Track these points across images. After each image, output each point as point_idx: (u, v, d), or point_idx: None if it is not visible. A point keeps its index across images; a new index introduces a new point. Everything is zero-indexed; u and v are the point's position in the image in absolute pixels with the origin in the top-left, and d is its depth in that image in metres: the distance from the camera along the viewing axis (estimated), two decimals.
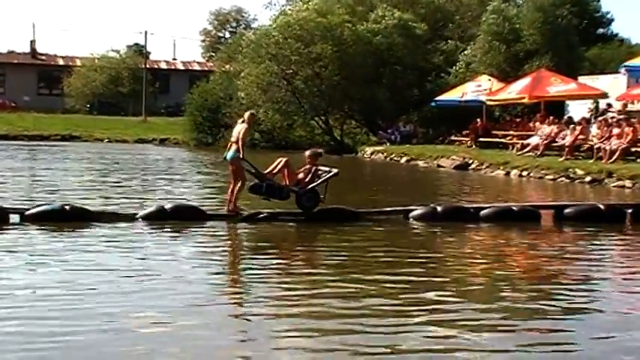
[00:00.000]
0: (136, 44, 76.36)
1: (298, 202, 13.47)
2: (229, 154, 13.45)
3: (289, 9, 42.66)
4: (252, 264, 10.00)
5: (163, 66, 74.13)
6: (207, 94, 45.22)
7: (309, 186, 13.50)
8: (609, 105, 28.96)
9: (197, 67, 72.12)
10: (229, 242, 12.10)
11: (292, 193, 13.47)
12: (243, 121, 13.62)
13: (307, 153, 14.34)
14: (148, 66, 67.60)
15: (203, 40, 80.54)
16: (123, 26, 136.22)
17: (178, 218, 12.81)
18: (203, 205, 14.19)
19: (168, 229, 12.25)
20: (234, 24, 77.92)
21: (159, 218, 12.77)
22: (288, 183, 13.52)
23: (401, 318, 7.25)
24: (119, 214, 13.16)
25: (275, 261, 10.26)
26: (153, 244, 11.16)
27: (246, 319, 7.23)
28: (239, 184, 13.31)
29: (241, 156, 13.23)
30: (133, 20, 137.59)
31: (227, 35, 76.01)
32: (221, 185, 21.32)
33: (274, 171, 13.60)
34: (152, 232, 12.05)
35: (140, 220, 12.76)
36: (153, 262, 9.67)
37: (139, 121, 57.55)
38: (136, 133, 50.03)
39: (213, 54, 67.36)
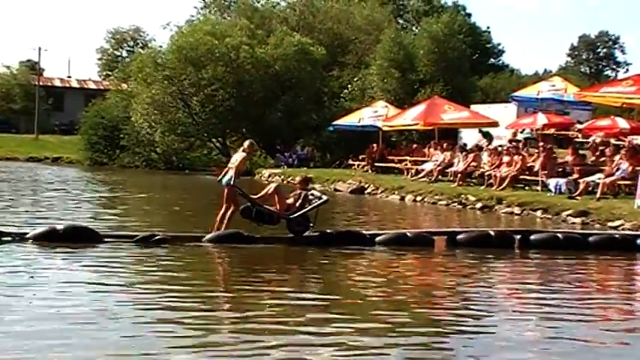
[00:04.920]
0: (29, 60, 74.62)
1: (289, 227, 13.67)
2: (225, 179, 13.68)
3: (185, 30, 42.53)
4: (143, 287, 9.79)
5: (57, 83, 72.50)
6: (104, 113, 44.49)
7: (300, 211, 13.71)
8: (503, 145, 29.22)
9: (93, 86, 70.83)
10: (122, 265, 11.72)
11: (283, 219, 13.66)
12: (243, 150, 13.92)
13: (297, 179, 14.79)
14: (41, 83, 66.05)
15: (100, 59, 79.20)
16: (15, 42, 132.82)
17: (71, 239, 12.46)
18: (97, 227, 13.87)
19: (59, 251, 11.86)
20: (131, 43, 76.92)
21: (50, 239, 12.43)
22: (278, 208, 13.69)
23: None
24: (7, 233, 12.73)
25: (160, 285, 10.08)
26: (40, 266, 10.75)
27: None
28: (232, 209, 13.53)
29: (232, 182, 13.44)
30: (26, 36, 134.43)
31: (124, 54, 75.01)
32: (116, 206, 21.00)
33: (265, 197, 13.79)
34: (42, 254, 11.66)
35: (30, 241, 12.41)
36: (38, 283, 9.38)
37: (31, 139, 56.10)
38: (28, 151, 48.72)
39: (110, 73, 66.37)
